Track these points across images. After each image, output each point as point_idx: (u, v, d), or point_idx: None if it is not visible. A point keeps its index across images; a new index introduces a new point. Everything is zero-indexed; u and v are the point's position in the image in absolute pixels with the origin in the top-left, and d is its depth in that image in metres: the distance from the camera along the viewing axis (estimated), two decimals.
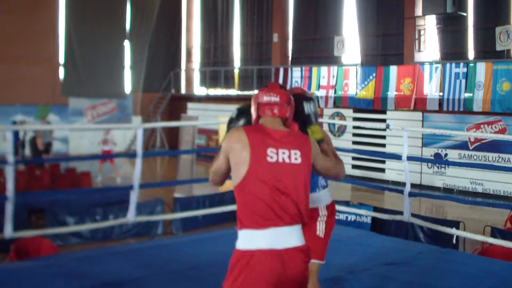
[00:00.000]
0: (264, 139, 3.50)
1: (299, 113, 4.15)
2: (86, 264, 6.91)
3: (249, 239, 3.42)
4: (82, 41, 24.08)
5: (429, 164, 17.65)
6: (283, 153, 3.49)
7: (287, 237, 3.42)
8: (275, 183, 3.43)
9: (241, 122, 4.02)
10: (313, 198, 4.64)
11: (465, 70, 16.77)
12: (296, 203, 3.48)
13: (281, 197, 3.43)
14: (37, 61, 23.39)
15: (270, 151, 3.47)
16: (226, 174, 3.70)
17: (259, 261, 3.36)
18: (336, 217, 10.00)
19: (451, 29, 18.57)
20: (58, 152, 22.95)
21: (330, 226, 4.91)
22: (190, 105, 26.94)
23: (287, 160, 3.49)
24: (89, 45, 24.07)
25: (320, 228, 4.83)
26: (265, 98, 3.72)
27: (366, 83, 19.02)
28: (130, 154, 16.96)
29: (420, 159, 16.46)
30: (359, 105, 19.21)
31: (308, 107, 4.25)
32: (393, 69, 18.40)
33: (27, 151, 19.81)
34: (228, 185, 14.61)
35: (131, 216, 7.60)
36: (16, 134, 18.92)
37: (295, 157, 3.52)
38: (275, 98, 3.70)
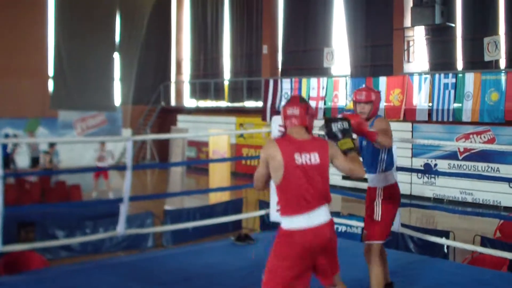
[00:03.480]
0: (290, 146, 4.53)
1: (329, 132, 4.95)
2: (76, 277, 6.88)
3: (289, 222, 4.52)
4: (71, 53, 23.99)
5: (419, 174, 17.67)
6: (306, 156, 4.51)
7: (316, 217, 4.51)
8: (303, 180, 4.48)
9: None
10: (373, 178, 5.79)
11: (454, 80, 16.83)
12: (320, 192, 4.54)
13: (308, 190, 4.49)
14: (26, 74, 23.35)
15: (297, 155, 4.50)
16: (267, 179, 4.71)
17: (295, 237, 4.48)
18: None
19: (439, 40, 18.66)
20: (54, 165, 22.83)
21: (388, 208, 5.68)
22: (180, 117, 26.93)
23: (309, 162, 4.51)
24: (78, 58, 23.98)
25: (377, 212, 5.67)
26: (288, 112, 4.71)
27: None
28: (120, 167, 16.88)
29: (410, 170, 16.48)
30: None
31: (335, 126, 4.95)
32: (383, 80, 18.44)
33: (18, 164, 19.72)
34: (218, 197, 14.59)
35: (121, 229, 7.56)
36: (4, 147, 18.84)
37: (315, 158, 4.53)
38: (295, 111, 4.68)
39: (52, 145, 18.72)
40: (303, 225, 4.48)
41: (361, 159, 5.61)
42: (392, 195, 5.74)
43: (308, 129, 4.69)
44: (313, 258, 4.54)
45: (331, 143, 4.73)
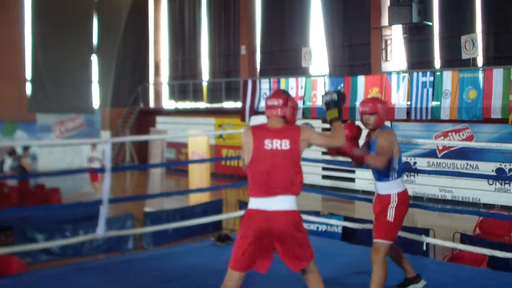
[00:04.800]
0: (263, 133, 4.89)
1: (323, 103, 5.34)
2: (57, 281, 6.84)
3: (251, 203, 4.85)
4: (49, 56, 23.82)
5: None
6: (276, 142, 4.84)
7: (274, 203, 4.76)
8: (269, 165, 4.81)
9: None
10: (386, 185, 5.97)
11: (432, 79, 16.92)
12: (285, 180, 4.81)
13: (273, 176, 4.79)
14: (2, 77, 23.15)
15: (267, 141, 4.84)
16: None
17: (252, 217, 4.80)
18: (307, 228, 10.03)
19: (417, 39, 18.76)
20: (29, 168, 22.68)
21: (401, 212, 5.91)
22: (159, 119, 26.86)
23: (279, 147, 4.83)
24: (56, 60, 23.81)
25: (391, 214, 5.85)
26: (269, 103, 5.03)
27: None
28: (98, 169, 16.79)
29: None
30: None
31: (324, 98, 5.32)
32: (361, 79, 18.50)
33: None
34: (198, 199, 14.57)
35: (101, 231, 7.52)
36: None
37: (285, 144, 4.83)
38: (275, 102, 4.99)
39: (26, 148, 18.56)
40: (260, 207, 4.78)
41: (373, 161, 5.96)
42: (405, 201, 5.98)
43: (287, 119, 4.99)
44: (269, 242, 4.79)
45: (305, 128, 4.99)
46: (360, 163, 6.06)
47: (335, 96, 5.25)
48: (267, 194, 4.78)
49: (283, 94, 5.03)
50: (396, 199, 5.88)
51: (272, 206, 4.76)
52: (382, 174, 5.99)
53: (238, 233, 4.90)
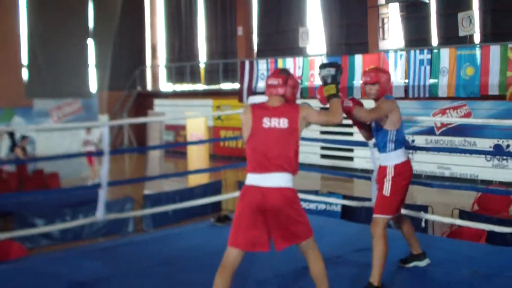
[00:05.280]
0: (262, 111, 4.95)
1: (320, 77, 5.28)
2: (57, 265, 6.86)
3: (248, 178, 4.95)
4: (45, 41, 23.73)
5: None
6: (274, 120, 4.90)
7: (269, 179, 4.84)
8: (266, 142, 4.89)
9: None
10: (384, 157, 5.93)
11: (429, 56, 16.89)
12: (281, 157, 4.87)
13: (269, 152, 4.87)
14: None
15: (265, 119, 4.91)
16: None
17: (248, 193, 4.90)
18: (306, 207, 10.06)
19: (414, 16, 18.71)
20: (27, 154, 22.65)
21: (398, 185, 5.84)
22: (157, 101, 26.84)
23: (277, 125, 4.90)
24: (52, 45, 23.72)
25: (386, 187, 5.82)
26: (269, 82, 5.06)
27: None
28: (96, 153, 16.79)
29: None
30: None
31: (322, 72, 5.25)
32: (358, 58, 18.46)
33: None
34: (197, 180, 14.58)
35: (100, 214, 7.54)
36: None
37: (283, 122, 4.89)
38: (274, 81, 5.03)
39: (24, 137, 18.52)
40: (255, 183, 4.89)
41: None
42: (402, 173, 5.89)
43: (286, 98, 5.04)
44: (265, 217, 4.86)
45: (304, 107, 5.01)
46: (350, 116, 5.92)
47: (332, 71, 5.21)
48: (262, 170, 4.87)
49: (283, 73, 5.07)
50: (392, 171, 5.82)
51: (267, 183, 4.84)
52: (380, 146, 5.96)
53: (236, 210, 4.98)
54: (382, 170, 5.94)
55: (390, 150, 5.88)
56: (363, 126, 6.24)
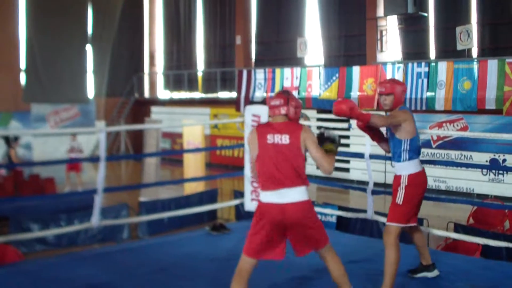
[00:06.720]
0: (266, 129, 5.13)
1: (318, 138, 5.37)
2: (52, 270, 6.85)
3: (263, 195, 5.05)
4: (44, 46, 23.78)
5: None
6: (277, 136, 5.05)
7: (286, 195, 4.96)
8: (274, 158, 5.02)
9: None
10: (398, 166, 6.04)
11: (426, 69, 16.90)
12: (291, 171, 5.01)
13: (279, 168, 5.00)
14: None
15: (269, 136, 5.06)
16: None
17: (266, 210, 4.98)
18: None
19: (412, 29, 18.76)
20: (22, 158, 22.63)
21: (411, 194, 5.91)
22: (154, 109, 26.83)
23: (280, 142, 5.04)
24: (50, 50, 23.79)
25: (399, 196, 5.90)
26: (271, 103, 5.22)
27: (329, 84, 19.07)
28: (93, 159, 16.77)
29: (384, 158, 16.54)
30: (323, 106, 19.20)
31: (327, 132, 5.41)
32: (356, 70, 18.47)
33: None
34: (193, 188, 14.56)
35: (96, 220, 7.53)
36: None
37: (285, 139, 5.03)
38: (277, 101, 5.19)
39: (16, 139, 18.46)
40: (271, 200, 4.99)
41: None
42: (416, 183, 5.97)
43: (290, 117, 5.18)
44: (282, 231, 5.01)
45: (307, 129, 5.13)
46: (367, 129, 6.15)
47: (337, 138, 5.40)
48: (276, 186, 4.99)
49: (284, 94, 5.24)
50: (406, 180, 5.90)
51: (284, 199, 4.97)
52: (395, 155, 6.05)
53: (253, 222, 5.07)
54: (397, 179, 6.03)
55: (405, 159, 5.98)
56: (382, 140, 6.33)
